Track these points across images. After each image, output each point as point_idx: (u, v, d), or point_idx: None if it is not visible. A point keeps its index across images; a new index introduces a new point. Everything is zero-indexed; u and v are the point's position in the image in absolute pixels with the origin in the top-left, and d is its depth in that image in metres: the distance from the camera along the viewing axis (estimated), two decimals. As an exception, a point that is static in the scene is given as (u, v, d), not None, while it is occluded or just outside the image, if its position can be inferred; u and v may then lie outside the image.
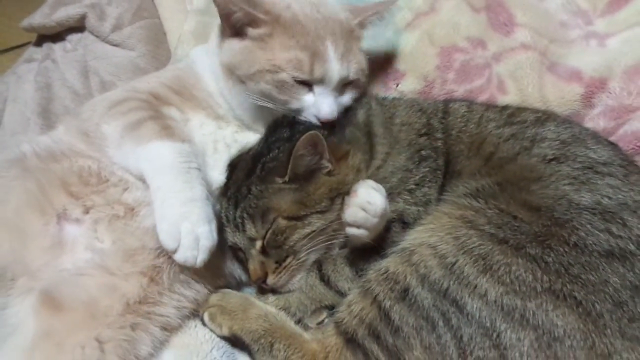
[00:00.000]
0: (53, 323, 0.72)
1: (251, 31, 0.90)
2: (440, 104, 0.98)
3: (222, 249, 0.87)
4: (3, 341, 0.70)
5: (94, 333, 0.72)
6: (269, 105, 0.91)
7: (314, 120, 0.91)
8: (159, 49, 1.35)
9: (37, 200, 0.79)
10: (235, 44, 0.92)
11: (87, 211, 0.80)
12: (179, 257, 0.75)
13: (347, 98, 0.96)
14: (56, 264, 0.76)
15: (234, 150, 0.95)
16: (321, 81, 0.90)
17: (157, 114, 0.88)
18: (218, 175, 0.91)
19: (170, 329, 0.79)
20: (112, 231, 0.80)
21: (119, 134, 0.85)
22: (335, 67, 0.90)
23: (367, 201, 0.77)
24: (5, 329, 0.71)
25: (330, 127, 0.92)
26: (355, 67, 0.94)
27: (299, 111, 0.92)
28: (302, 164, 0.82)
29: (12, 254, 0.74)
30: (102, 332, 0.73)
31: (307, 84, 0.90)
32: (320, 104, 0.90)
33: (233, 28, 0.91)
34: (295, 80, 0.89)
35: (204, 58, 1.00)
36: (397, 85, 1.11)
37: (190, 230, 0.75)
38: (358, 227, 0.79)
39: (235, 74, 0.92)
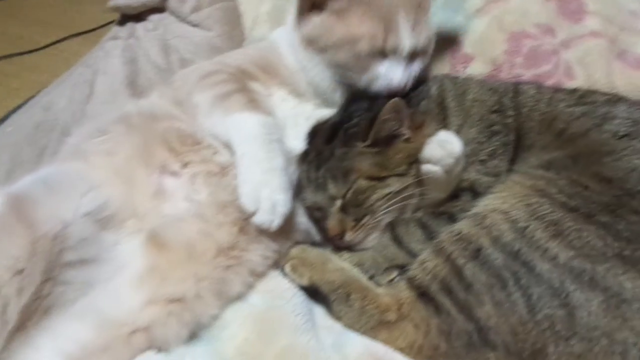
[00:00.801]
0: (158, 260, 0.80)
1: (331, 4, 0.97)
2: (510, 84, 1.02)
3: (297, 211, 0.95)
4: (116, 273, 0.79)
5: (193, 271, 0.80)
6: (344, 76, 0.99)
7: (385, 91, 0.98)
8: (234, 30, 1.44)
9: (142, 153, 0.88)
10: (314, 17, 0.99)
11: (185, 166, 0.89)
12: (256, 219, 0.83)
13: (415, 67, 1.02)
14: (159, 210, 0.85)
15: (311, 123, 1.02)
16: (393, 51, 0.97)
17: (244, 88, 0.96)
18: (298, 145, 0.98)
19: (256, 275, 0.87)
20: (207, 185, 0.88)
21: (209, 104, 0.93)
22: (407, 38, 0.97)
23: (445, 140, 0.85)
24: (118, 263, 0.80)
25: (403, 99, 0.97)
26: (425, 37, 1.01)
27: (371, 81, 0.98)
28: (385, 129, 0.89)
29: (122, 198, 0.83)
30: (199, 270, 0.81)
31: (380, 54, 0.97)
32: (392, 74, 0.97)
33: (312, 2, 0.99)
34: (370, 51, 0.96)
35: (285, 38, 1.08)
36: (465, 69, 1.16)
37: (268, 196, 0.83)
38: (434, 164, 0.85)
39: (314, 47, 0.99)
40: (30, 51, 2.41)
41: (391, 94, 0.96)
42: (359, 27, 0.95)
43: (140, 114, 0.94)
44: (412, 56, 1.00)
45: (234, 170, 0.88)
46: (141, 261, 0.80)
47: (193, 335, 0.80)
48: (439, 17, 1.10)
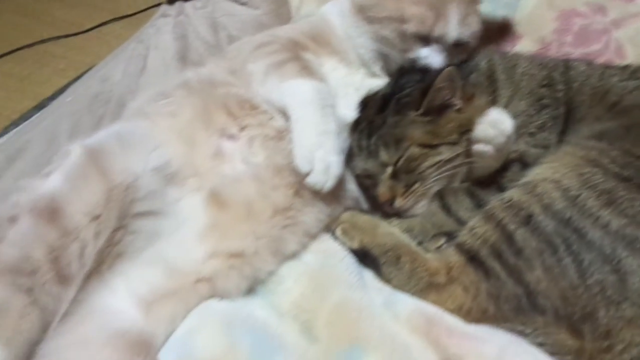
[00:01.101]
0: (219, 217, 0.84)
1: None
2: (560, 61, 1.03)
3: (348, 179, 0.98)
4: (180, 227, 0.83)
5: (251, 229, 0.84)
6: (385, 51, 1.03)
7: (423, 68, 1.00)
8: (281, 9, 1.48)
9: (202, 116, 0.92)
10: None
11: (242, 130, 0.92)
12: (310, 180, 0.86)
13: (455, 59, 1.04)
14: (219, 171, 0.89)
15: (361, 94, 1.05)
16: (438, 40, 1.00)
17: (296, 57, 0.99)
18: (348, 114, 1.01)
19: (310, 236, 0.90)
20: (264, 148, 0.91)
21: (264, 72, 0.96)
22: (454, 29, 1.00)
23: (497, 119, 0.86)
24: (182, 217, 0.84)
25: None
26: (471, 31, 1.03)
27: (413, 61, 1.02)
28: (438, 98, 0.91)
29: (184, 157, 0.87)
30: (257, 228, 0.84)
31: (425, 40, 1.00)
32: (432, 60, 1.00)
33: None
34: (416, 34, 0.99)
35: (336, 10, 1.12)
36: (513, 47, 1.17)
37: (322, 158, 0.86)
38: (486, 143, 0.87)
39: (363, 15, 1.03)
40: (76, 34, 2.50)
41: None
42: (411, 8, 0.99)
43: (200, 80, 0.98)
44: (455, 47, 1.03)
45: (289, 135, 0.91)
46: (203, 217, 0.84)
47: (251, 289, 0.84)
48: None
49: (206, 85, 0.97)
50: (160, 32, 1.47)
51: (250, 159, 0.90)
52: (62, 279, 0.71)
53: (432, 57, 1.00)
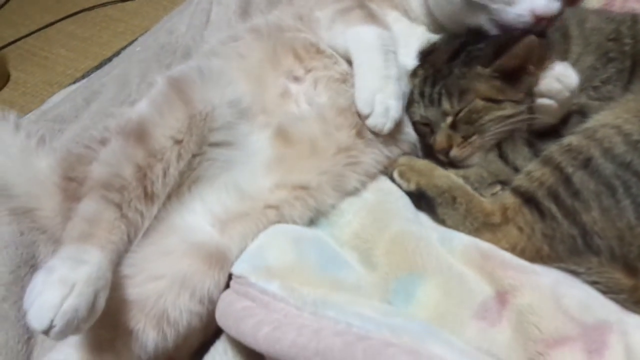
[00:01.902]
0: (285, 152, 0.89)
1: None
2: (628, 14, 1.02)
3: (407, 123, 1.01)
4: (250, 158, 0.89)
5: (315, 164, 0.89)
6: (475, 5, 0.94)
7: (525, 16, 0.90)
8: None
9: (271, 58, 0.96)
10: None
11: (308, 72, 0.97)
12: (370, 122, 0.90)
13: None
14: (285, 109, 0.93)
15: (422, 44, 1.07)
16: None
17: (362, 4, 1.02)
18: (409, 61, 1.03)
19: (369, 175, 0.94)
20: (328, 89, 0.95)
21: (330, 18, 1.00)
22: None
23: (563, 74, 0.86)
24: (252, 150, 0.90)
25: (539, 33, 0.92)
26: None
27: (511, 2, 0.90)
28: (512, 64, 0.90)
29: (254, 95, 0.92)
30: (321, 164, 0.89)
31: None
32: (549, 3, 0.89)
33: None
34: None
35: None
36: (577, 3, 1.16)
37: (382, 101, 0.89)
38: (550, 97, 0.87)
39: None
40: (132, -1, 2.59)
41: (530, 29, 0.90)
42: None
43: (268, 25, 1.02)
44: None
45: (352, 78, 0.95)
46: (270, 151, 0.89)
47: (313, 221, 0.89)
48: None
49: (274, 29, 1.01)
50: (222, -12, 1.52)
51: (315, 99, 0.95)
52: (148, 196, 0.78)
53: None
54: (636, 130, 0.80)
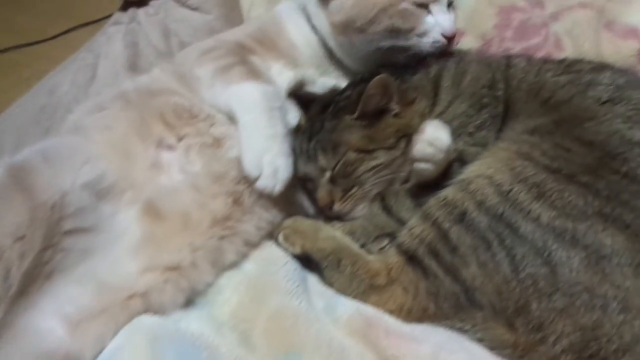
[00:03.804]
0: (154, 229, 0.84)
1: None
2: (503, 58, 1.04)
3: (294, 183, 0.98)
4: (115, 241, 0.82)
5: (188, 240, 0.84)
6: (393, 42, 0.99)
7: (440, 40, 0.99)
8: (232, 13, 1.47)
9: (139, 128, 0.91)
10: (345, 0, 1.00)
11: (180, 139, 0.92)
12: (259, 184, 0.86)
13: (452, 15, 1.03)
14: (156, 182, 0.88)
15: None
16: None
17: (244, 60, 0.99)
18: (293, 117, 1.01)
19: (250, 245, 0.90)
20: (201, 157, 0.91)
21: (211, 76, 0.96)
22: None
23: (434, 137, 0.85)
24: (116, 232, 0.83)
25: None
26: None
27: (423, 36, 0.99)
28: (372, 104, 0.91)
29: (120, 171, 0.86)
30: (194, 240, 0.84)
31: (424, 6, 0.99)
32: (442, 21, 0.99)
33: None
34: (415, 4, 0.98)
35: (291, 12, 1.11)
36: (457, 44, 1.18)
37: (270, 162, 0.86)
38: (426, 161, 0.86)
39: (352, 28, 1.00)
40: (40, 41, 2.45)
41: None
42: None
43: (137, 90, 0.97)
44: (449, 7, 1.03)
45: (228, 142, 0.91)
46: (138, 230, 0.83)
47: (189, 301, 0.83)
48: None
49: (144, 95, 0.96)
50: (111, 40, 1.46)
51: (188, 168, 0.90)
52: (-15, 302, 0.70)
53: (440, 19, 0.99)
54: (507, 180, 0.80)
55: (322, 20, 1.05)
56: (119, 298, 0.77)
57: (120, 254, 0.81)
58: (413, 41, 0.99)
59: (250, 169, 0.86)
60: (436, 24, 0.99)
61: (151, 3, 1.53)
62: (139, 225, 0.84)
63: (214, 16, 1.46)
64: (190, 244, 0.83)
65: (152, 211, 0.85)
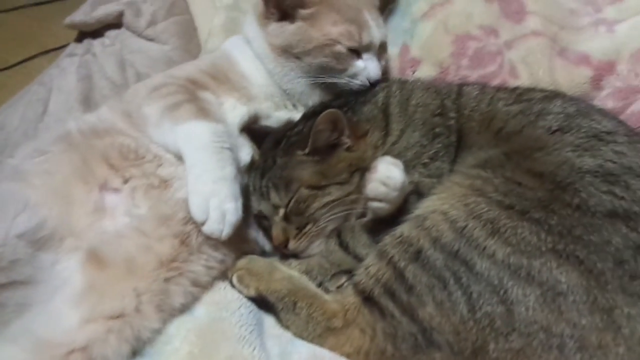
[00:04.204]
0: (97, 277, 0.79)
1: (301, 12, 1.02)
2: (454, 86, 1.04)
3: (248, 219, 0.95)
4: (54, 292, 0.78)
5: (132, 285, 0.80)
6: (324, 77, 1.03)
7: (366, 83, 1.05)
8: (190, 44, 1.45)
9: (81, 171, 0.87)
10: (286, 26, 1.04)
11: (125, 181, 0.88)
12: (206, 229, 0.83)
13: (383, 61, 1.11)
14: (99, 227, 0.84)
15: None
16: (367, 47, 1.05)
17: (193, 97, 0.96)
18: (246, 154, 0.98)
19: (200, 285, 0.86)
20: (148, 199, 0.87)
21: (159, 114, 0.93)
22: (376, 33, 1.06)
23: (387, 176, 0.84)
24: (56, 281, 0.79)
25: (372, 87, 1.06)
26: (384, 31, 1.10)
27: (352, 77, 1.05)
28: (322, 139, 0.89)
29: (60, 217, 0.82)
30: (139, 284, 0.80)
31: (356, 52, 1.04)
32: (370, 67, 1.05)
33: (282, 12, 1.03)
34: (349, 49, 1.02)
35: (240, 45, 1.11)
36: (414, 72, 1.17)
37: (218, 206, 0.83)
38: (379, 200, 0.85)
39: (290, 53, 1.03)
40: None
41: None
42: (334, 29, 1.01)
43: (80, 131, 0.93)
44: (380, 50, 1.08)
45: (175, 182, 0.88)
46: (79, 279, 0.79)
47: (135, 352, 0.79)
48: (387, 25, 1.12)
49: (87, 136, 0.92)
50: (64, 72, 1.42)
51: (133, 211, 0.86)
52: None
53: (369, 65, 1.04)
54: (461, 216, 0.79)
55: (260, 43, 1.07)
56: (58, 354, 0.73)
57: (60, 306, 0.77)
58: (343, 80, 1.05)
59: (197, 213, 0.83)
60: (365, 68, 1.05)
61: (107, 34, 1.49)
62: (81, 274, 0.80)
63: (171, 47, 1.43)
64: (135, 289, 0.80)
65: (94, 258, 0.81)
